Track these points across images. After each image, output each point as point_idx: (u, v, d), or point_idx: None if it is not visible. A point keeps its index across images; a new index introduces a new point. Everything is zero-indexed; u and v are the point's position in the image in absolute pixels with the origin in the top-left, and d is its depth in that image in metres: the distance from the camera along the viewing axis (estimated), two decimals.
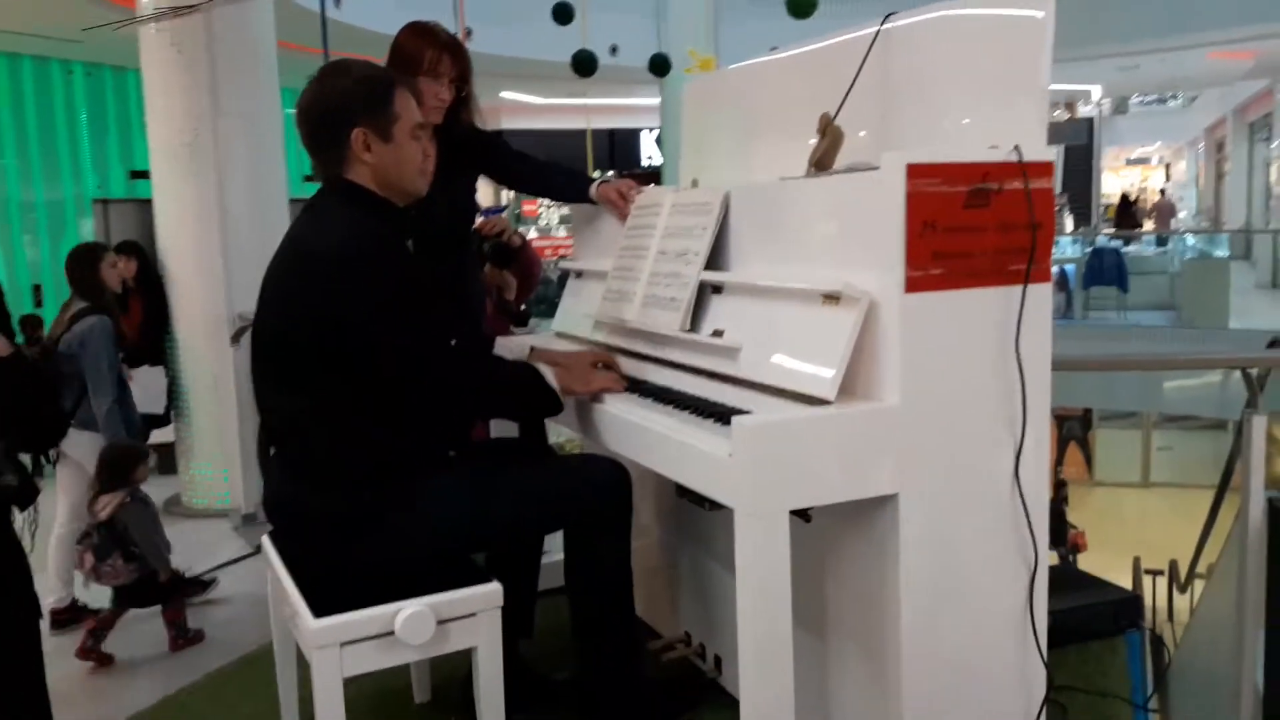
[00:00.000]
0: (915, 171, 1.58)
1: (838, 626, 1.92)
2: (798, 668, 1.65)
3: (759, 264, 2.01)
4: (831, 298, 1.71)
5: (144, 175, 6.04)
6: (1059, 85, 16.25)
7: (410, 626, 1.81)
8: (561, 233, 16.76)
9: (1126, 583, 3.22)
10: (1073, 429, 10.42)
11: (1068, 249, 13.54)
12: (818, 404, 1.67)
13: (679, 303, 2.08)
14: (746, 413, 1.68)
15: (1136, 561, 3.80)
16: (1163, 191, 23.32)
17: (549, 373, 2.04)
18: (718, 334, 1.98)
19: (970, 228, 1.65)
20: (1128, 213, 18.27)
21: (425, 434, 1.96)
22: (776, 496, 1.60)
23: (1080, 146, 22.56)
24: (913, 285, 1.61)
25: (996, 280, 1.69)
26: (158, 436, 5.58)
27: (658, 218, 2.28)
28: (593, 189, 2.55)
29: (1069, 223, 17.02)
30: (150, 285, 5.34)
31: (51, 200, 9.20)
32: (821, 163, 1.94)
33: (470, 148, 2.63)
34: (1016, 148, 1.65)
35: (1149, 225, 18.67)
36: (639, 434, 1.90)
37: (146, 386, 5.24)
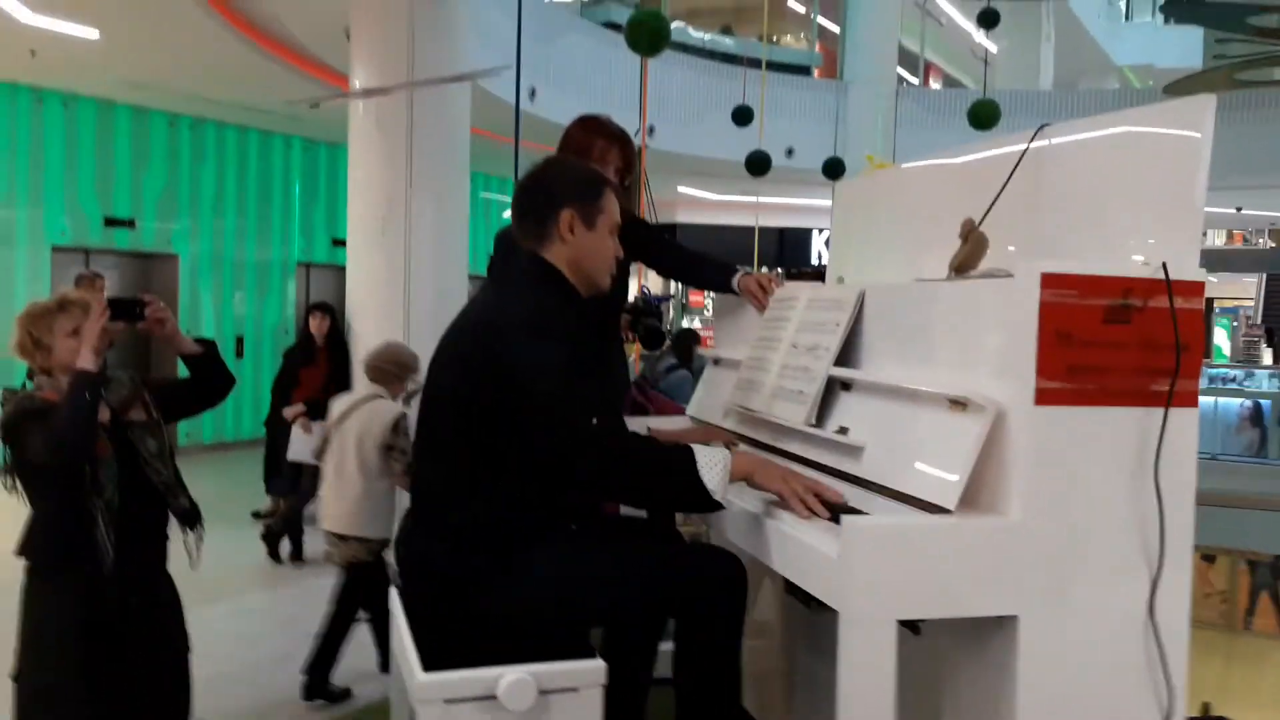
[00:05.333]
0: (1051, 281, 1.54)
1: None
2: None
3: (890, 364, 1.98)
4: (959, 404, 1.67)
5: (345, 243, 6.53)
6: (1259, 211, 15.24)
7: (512, 692, 1.83)
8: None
9: None
10: (1264, 576, 9.48)
11: (1264, 383, 12.53)
12: (937, 512, 1.62)
13: (806, 396, 2.07)
14: (862, 513, 1.65)
15: None
16: None
17: (717, 460, 1.85)
18: (842, 431, 1.96)
19: (1109, 343, 1.58)
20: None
21: (551, 504, 2.00)
22: (884, 604, 1.55)
23: None
24: (1043, 398, 1.56)
25: (1136, 400, 1.61)
26: None
27: (793, 311, 2.29)
28: (735, 280, 2.60)
29: (1267, 356, 15.74)
30: (337, 344, 5.73)
31: (261, 261, 10.06)
32: (962, 267, 1.91)
33: (628, 234, 2.73)
34: (1163, 264, 1.59)
35: None
36: (752, 524, 1.88)
37: None
